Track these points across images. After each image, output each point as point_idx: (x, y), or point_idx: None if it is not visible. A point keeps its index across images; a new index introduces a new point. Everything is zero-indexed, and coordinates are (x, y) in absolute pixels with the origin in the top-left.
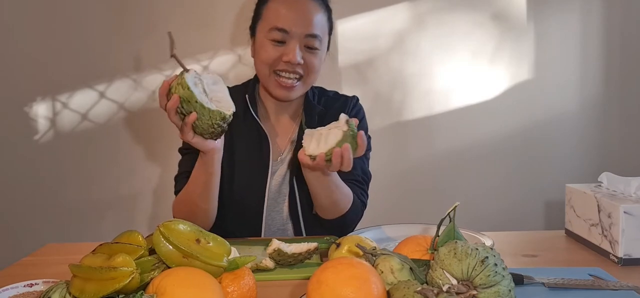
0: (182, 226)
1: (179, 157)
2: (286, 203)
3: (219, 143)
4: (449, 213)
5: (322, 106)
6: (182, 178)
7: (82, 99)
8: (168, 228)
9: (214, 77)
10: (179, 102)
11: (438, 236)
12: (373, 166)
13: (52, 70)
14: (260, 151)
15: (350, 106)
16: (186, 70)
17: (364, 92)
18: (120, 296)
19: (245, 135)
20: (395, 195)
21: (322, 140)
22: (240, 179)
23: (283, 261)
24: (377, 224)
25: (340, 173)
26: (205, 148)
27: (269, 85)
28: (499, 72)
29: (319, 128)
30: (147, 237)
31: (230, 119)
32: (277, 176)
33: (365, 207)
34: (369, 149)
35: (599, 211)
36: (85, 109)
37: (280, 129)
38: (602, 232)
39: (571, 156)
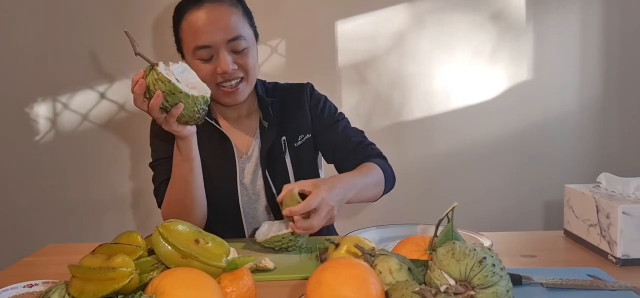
0: (181, 227)
1: None
2: (264, 198)
3: (191, 128)
4: (447, 214)
5: (279, 99)
6: (163, 187)
7: (82, 100)
8: (167, 229)
9: (181, 65)
10: (162, 98)
11: (436, 236)
12: None
13: (53, 70)
14: (224, 151)
15: (308, 94)
16: (155, 64)
17: (363, 92)
18: (119, 296)
19: (206, 139)
20: (394, 196)
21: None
22: (210, 181)
23: (278, 245)
24: (375, 224)
25: (351, 159)
26: (185, 133)
27: (216, 97)
28: (498, 73)
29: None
30: (146, 237)
31: (210, 100)
32: (247, 173)
33: (386, 158)
34: (344, 116)
35: (597, 211)
36: (86, 110)
37: (239, 127)
38: (601, 232)
39: (570, 156)
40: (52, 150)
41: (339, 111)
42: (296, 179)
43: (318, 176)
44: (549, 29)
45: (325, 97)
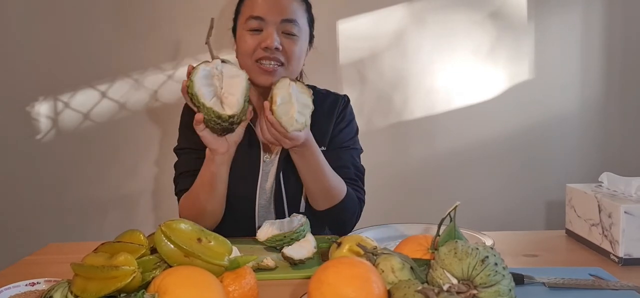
0: (184, 225)
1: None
2: (272, 199)
3: (224, 145)
4: (449, 213)
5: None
6: (182, 179)
7: (83, 99)
8: (169, 228)
9: (236, 70)
10: (187, 92)
11: (439, 236)
12: (374, 166)
13: (54, 70)
14: (250, 151)
15: (340, 105)
16: (212, 60)
17: (364, 92)
18: (121, 295)
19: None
20: (396, 195)
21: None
22: (231, 180)
23: (279, 244)
24: (377, 224)
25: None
26: (210, 146)
27: (252, 75)
28: (499, 72)
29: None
30: (149, 236)
31: (234, 120)
32: (271, 176)
33: (363, 203)
34: (356, 145)
35: (599, 211)
36: (87, 109)
37: None
38: (603, 232)
39: (572, 156)
40: (54, 149)
41: (355, 137)
42: None
43: None
44: (550, 28)
45: (353, 119)
